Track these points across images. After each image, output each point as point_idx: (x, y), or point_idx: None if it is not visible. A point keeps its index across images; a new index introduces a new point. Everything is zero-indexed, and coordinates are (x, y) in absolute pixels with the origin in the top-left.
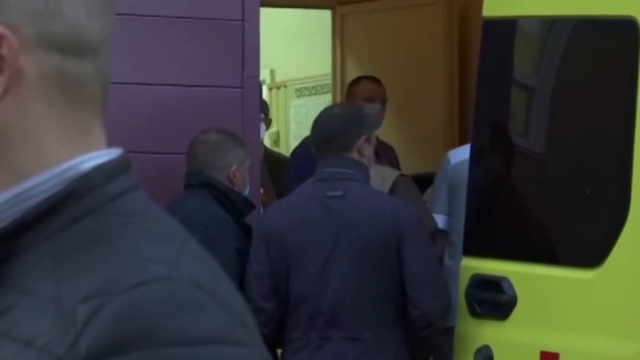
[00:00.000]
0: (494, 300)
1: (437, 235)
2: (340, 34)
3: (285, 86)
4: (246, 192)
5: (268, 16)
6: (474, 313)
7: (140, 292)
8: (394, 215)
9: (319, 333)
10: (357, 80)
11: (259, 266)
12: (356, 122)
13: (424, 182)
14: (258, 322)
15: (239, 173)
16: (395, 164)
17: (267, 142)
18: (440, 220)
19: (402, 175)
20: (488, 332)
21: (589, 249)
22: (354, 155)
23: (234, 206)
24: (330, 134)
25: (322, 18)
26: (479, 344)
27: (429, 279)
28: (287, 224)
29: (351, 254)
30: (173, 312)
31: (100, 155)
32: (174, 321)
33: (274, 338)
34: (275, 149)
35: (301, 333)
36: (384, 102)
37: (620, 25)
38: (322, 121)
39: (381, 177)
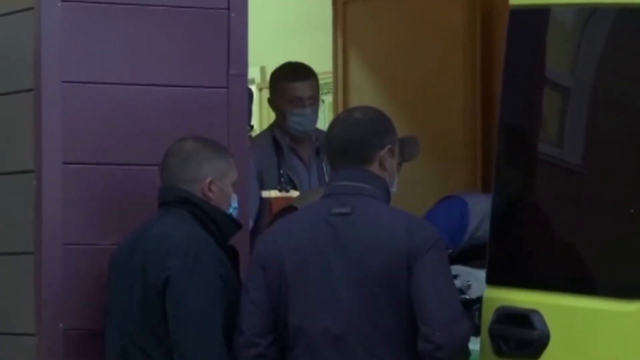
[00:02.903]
0: (522, 338)
1: None
2: (342, 26)
3: None
4: (230, 210)
5: (258, 4)
6: (499, 352)
7: None
8: (408, 237)
9: None
10: None
11: (254, 294)
12: (380, 130)
13: None
14: (245, 358)
15: (217, 187)
16: None
17: None
18: None
19: None
20: None
21: (633, 277)
22: (374, 168)
23: (218, 226)
24: (349, 142)
25: (321, 7)
26: None
27: (439, 309)
28: (286, 246)
29: (355, 281)
30: None
31: None
32: None
33: None
34: None
35: None
36: None
37: None
38: (339, 127)
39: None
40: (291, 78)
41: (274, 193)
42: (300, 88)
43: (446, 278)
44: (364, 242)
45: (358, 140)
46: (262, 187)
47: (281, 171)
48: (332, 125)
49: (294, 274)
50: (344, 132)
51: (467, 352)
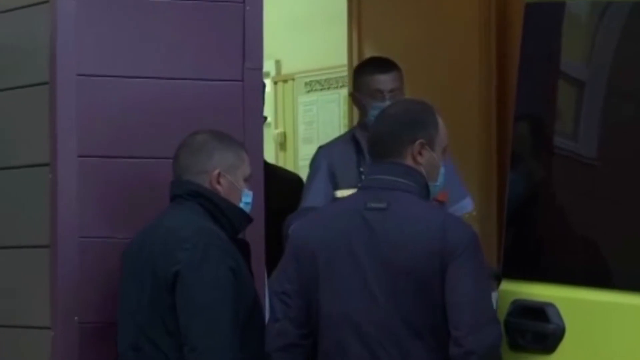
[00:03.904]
0: (538, 331)
1: None
2: (357, 19)
3: (293, 79)
4: (241, 204)
5: None
6: (514, 345)
7: None
8: (442, 236)
9: None
10: None
11: (288, 285)
12: (412, 124)
13: None
14: (276, 346)
15: (226, 180)
16: None
17: (272, 145)
18: None
19: None
20: None
21: None
22: (408, 161)
23: (228, 219)
24: (380, 136)
25: (337, 0)
26: None
27: (470, 313)
28: (319, 238)
29: (385, 277)
30: None
31: None
32: None
33: None
34: (282, 153)
35: None
36: None
37: None
38: (375, 121)
39: None
40: (372, 70)
41: (350, 192)
42: (381, 80)
43: (479, 281)
44: (396, 239)
45: (386, 136)
46: (337, 187)
47: (361, 169)
48: (374, 119)
49: (326, 267)
50: (376, 127)
51: (498, 357)
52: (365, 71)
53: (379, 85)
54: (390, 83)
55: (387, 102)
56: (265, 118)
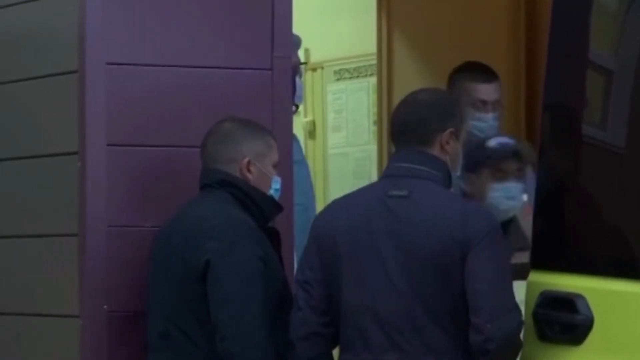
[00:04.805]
0: (566, 322)
1: None
2: (386, 7)
3: (322, 68)
4: (270, 192)
5: None
6: (543, 337)
7: None
8: (463, 223)
9: (372, 355)
10: None
11: (309, 273)
12: (443, 112)
13: None
14: (299, 335)
15: (256, 168)
16: None
17: (301, 134)
18: None
19: None
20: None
21: None
22: (435, 150)
23: (259, 208)
24: (409, 123)
25: None
26: None
27: (490, 300)
28: (341, 225)
29: (405, 265)
30: None
31: None
32: None
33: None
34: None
35: (352, 355)
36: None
37: None
38: (402, 107)
39: None
40: (476, 78)
41: None
42: (487, 90)
43: (499, 269)
44: (417, 227)
45: (417, 122)
46: None
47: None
48: (397, 105)
49: (347, 254)
50: (405, 113)
51: (518, 345)
52: (466, 78)
53: (484, 95)
54: (494, 93)
55: (490, 115)
56: (297, 107)
